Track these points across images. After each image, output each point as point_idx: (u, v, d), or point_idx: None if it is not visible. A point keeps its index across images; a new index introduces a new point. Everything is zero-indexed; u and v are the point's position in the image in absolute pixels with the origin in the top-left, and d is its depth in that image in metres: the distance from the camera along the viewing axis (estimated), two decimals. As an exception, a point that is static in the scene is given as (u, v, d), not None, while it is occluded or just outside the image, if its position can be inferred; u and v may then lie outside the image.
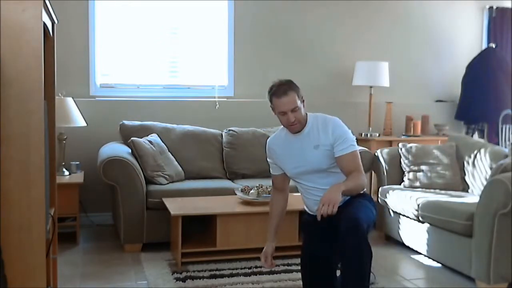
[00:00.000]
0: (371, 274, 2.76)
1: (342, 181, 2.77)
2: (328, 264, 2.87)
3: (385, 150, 4.61)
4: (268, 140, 3.09)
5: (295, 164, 2.91)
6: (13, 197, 1.87)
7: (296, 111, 2.79)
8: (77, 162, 4.67)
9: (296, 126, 2.83)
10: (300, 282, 2.98)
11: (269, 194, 3.98)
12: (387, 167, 4.51)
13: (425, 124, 5.76)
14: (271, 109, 2.90)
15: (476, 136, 5.84)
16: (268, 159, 3.09)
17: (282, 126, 2.97)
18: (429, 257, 3.97)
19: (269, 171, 3.13)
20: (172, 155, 4.61)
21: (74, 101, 4.61)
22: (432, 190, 4.25)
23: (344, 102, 5.49)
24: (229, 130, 4.93)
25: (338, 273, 2.87)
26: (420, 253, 4.07)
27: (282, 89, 2.80)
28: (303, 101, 2.85)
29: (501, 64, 5.81)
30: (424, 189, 4.28)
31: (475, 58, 5.83)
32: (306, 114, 2.88)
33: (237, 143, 4.85)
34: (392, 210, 4.29)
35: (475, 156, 4.31)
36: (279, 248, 3.82)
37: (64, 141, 4.54)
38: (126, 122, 4.73)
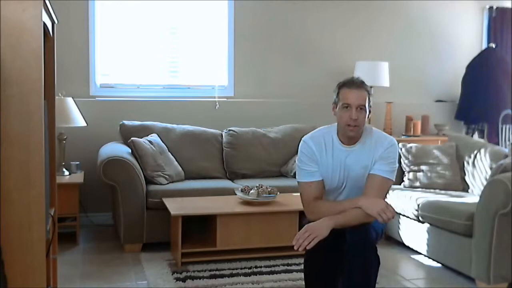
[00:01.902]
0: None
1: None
2: (333, 266, 2.80)
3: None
4: (304, 138, 2.73)
5: (333, 179, 2.68)
6: (13, 197, 1.87)
7: (361, 111, 2.58)
8: (77, 162, 4.67)
9: (354, 128, 2.59)
10: (300, 282, 2.97)
11: (269, 194, 3.98)
12: (387, 167, 4.50)
13: (425, 124, 5.76)
14: (333, 106, 2.68)
15: (476, 136, 5.84)
16: (301, 162, 2.70)
17: (321, 129, 2.74)
18: (429, 257, 3.97)
19: (296, 177, 2.75)
20: (172, 155, 4.61)
21: (74, 101, 4.61)
22: (432, 190, 4.26)
23: (344, 102, 5.48)
24: (229, 130, 4.93)
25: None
26: (420, 253, 4.07)
27: (356, 82, 2.63)
28: (370, 111, 2.65)
29: (501, 64, 5.81)
30: (424, 189, 4.29)
31: (475, 58, 5.83)
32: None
33: (237, 143, 4.85)
34: (392, 210, 4.29)
35: (475, 156, 4.31)
36: (279, 248, 3.85)
37: (64, 141, 4.54)
38: (126, 122, 4.73)
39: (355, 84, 2.63)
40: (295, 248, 2.50)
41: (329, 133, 2.71)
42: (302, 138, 2.76)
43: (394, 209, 2.54)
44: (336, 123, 2.70)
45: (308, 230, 2.49)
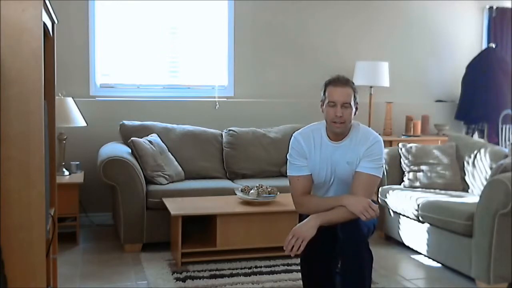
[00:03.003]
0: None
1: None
2: (328, 263, 2.85)
3: (385, 150, 4.61)
4: (295, 134, 2.83)
5: (321, 174, 2.75)
6: (13, 197, 1.87)
7: (346, 108, 2.65)
8: (77, 162, 4.66)
9: (340, 125, 2.66)
10: (300, 282, 2.98)
11: (269, 194, 3.98)
12: (387, 167, 4.50)
13: (425, 124, 5.76)
14: (321, 104, 2.75)
15: (476, 136, 5.84)
16: (291, 157, 2.79)
17: (312, 125, 2.82)
18: (429, 257, 3.97)
19: (286, 173, 2.84)
20: (172, 155, 4.61)
21: (74, 101, 4.61)
22: (432, 190, 4.25)
23: (344, 102, 5.48)
24: (229, 130, 4.93)
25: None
26: (420, 253, 4.07)
27: (341, 80, 2.71)
28: (357, 108, 2.71)
29: (501, 64, 5.81)
30: (424, 189, 4.28)
31: (475, 58, 5.83)
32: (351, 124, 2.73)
33: (237, 143, 4.85)
34: (392, 210, 4.29)
35: (475, 156, 4.31)
36: (279, 248, 3.84)
37: (64, 141, 4.53)
38: (126, 122, 4.73)
39: (340, 82, 2.71)
40: (286, 254, 2.59)
41: (318, 129, 2.79)
42: (293, 134, 2.85)
43: (377, 208, 2.60)
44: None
45: (294, 234, 2.57)
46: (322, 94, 2.77)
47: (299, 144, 2.78)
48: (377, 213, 2.60)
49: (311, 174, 2.77)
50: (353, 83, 2.75)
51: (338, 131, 2.70)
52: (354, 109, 2.70)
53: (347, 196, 2.67)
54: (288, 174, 2.85)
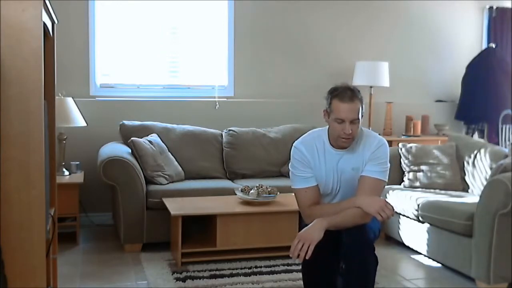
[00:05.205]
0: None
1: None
2: (330, 266, 2.82)
3: (385, 150, 4.61)
4: (295, 144, 2.71)
5: (327, 184, 2.67)
6: (13, 197, 1.87)
7: (354, 124, 2.53)
8: (77, 162, 4.66)
9: (348, 141, 2.56)
10: (300, 282, 2.96)
11: (269, 194, 3.98)
12: (387, 167, 4.50)
13: (425, 124, 5.76)
14: (324, 112, 2.63)
15: (476, 136, 5.84)
16: (295, 169, 2.69)
17: (312, 133, 2.73)
18: (429, 257, 3.97)
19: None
20: (172, 155, 4.61)
21: (74, 101, 4.61)
22: (432, 190, 4.26)
23: (344, 102, 5.47)
24: (229, 130, 4.93)
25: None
26: (420, 253, 4.07)
27: (349, 93, 2.53)
28: (362, 116, 2.59)
29: (501, 64, 5.81)
30: (424, 189, 4.28)
31: (475, 58, 5.83)
32: None
33: (237, 143, 4.85)
34: (392, 210, 4.28)
35: (475, 156, 4.31)
36: (279, 248, 3.85)
37: (64, 141, 4.53)
38: (126, 122, 4.73)
39: (347, 96, 2.53)
40: (294, 260, 2.49)
41: (320, 137, 2.69)
42: (293, 144, 2.74)
43: (393, 207, 2.51)
44: (327, 127, 2.69)
45: (301, 239, 2.46)
46: (326, 104, 2.61)
47: (302, 154, 2.67)
48: (393, 213, 2.48)
49: (318, 184, 2.67)
50: (359, 92, 2.59)
51: (346, 145, 2.60)
52: (361, 119, 2.59)
53: (361, 196, 2.57)
54: (293, 187, 2.73)
